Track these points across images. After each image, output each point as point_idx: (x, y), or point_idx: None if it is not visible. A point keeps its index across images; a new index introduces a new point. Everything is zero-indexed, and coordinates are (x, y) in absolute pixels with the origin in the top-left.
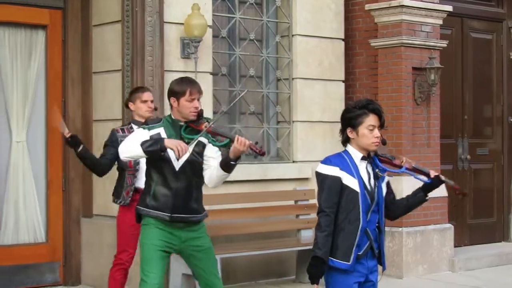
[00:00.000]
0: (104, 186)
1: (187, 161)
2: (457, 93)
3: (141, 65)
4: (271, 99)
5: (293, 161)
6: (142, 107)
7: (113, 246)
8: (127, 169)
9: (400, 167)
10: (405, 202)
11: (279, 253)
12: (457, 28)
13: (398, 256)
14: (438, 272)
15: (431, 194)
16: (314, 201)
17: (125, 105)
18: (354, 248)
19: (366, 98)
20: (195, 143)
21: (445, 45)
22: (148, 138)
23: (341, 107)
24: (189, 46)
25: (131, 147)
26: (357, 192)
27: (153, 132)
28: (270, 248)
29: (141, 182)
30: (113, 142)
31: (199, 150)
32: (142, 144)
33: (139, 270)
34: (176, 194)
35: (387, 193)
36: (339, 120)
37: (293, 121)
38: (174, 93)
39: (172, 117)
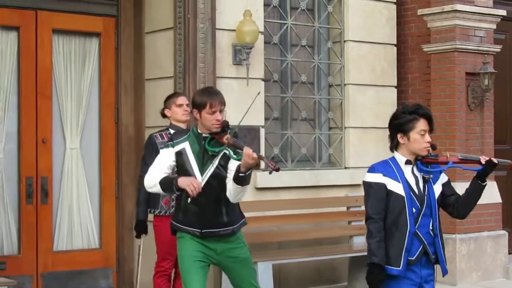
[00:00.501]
0: None
1: (211, 176)
2: (511, 98)
3: (193, 71)
4: (323, 105)
5: (345, 167)
6: (178, 111)
7: None
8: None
9: (447, 163)
10: (465, 196)
11: (331, 260)
12: (511, 32)
13: (452, 263)
14: (492, 279)
15: (485, 201)
16: None
17: (161, 114)
18: (403, 253)
19: (414, 103)
20: (219, 156)
21: (499, 50)
22: (172, 158)
23: None
24: (241, 53)
25: (153, 182)
26: (402, 197)
27: (178, 148)
28: (322, 254)
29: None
30: (152, 151)
31: (224, 163)
32: (161, 183)
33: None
34: (204, 210)
35: (447, 194)
36: None
37: (345, 127)
38: (196, 106)
39: (198, 129)
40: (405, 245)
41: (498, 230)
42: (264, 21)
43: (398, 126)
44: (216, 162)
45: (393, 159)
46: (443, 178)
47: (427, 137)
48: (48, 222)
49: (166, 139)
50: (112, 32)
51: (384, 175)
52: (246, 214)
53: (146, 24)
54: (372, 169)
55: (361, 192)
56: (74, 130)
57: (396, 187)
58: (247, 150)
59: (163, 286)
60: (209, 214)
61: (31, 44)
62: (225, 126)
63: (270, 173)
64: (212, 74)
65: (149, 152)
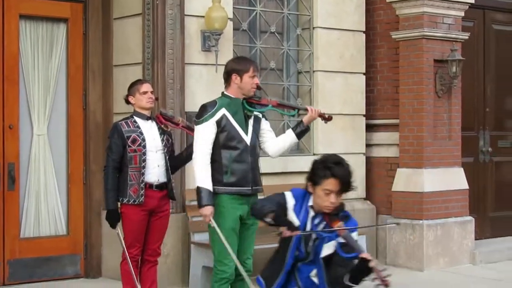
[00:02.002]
0: None
1: (254, 134)
2: (478, 85)
3: (162, 58)
4: (292, 92)
5: (314, 154)
6: (142, 99)
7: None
8: (130, 165)
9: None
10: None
11: None
12: (479, 20)
13: (419, 249)
14: (459, 265)
15: (452, 187)
16: None
17: (125, 101)
18: None
19: (339, 158)
20: (252, 119)
21: (467, 37)
22: (214, 131)
23: (362, 99)
24: (209, 39)
25: (200, 172)
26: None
27: (218, 115)
28: None
29: (150, 177)
30: (119, 138)
31: (258, 125)
32: (198, 188)
33: (214, 251)
34: (252, 168)
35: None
36: (359, 112)
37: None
38: (237, 71)
39: (229, 94)
40: None
41: (464, 216)
42: (233, 7)
43: (311, 172)
44: (251, 122)
45: (308, 199)
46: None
47: (332, 198)
48: (15, 208)
49: (132, 127)
50: (80, 18)
51: (294, 207)
52: None
53: (115, 10)
54: (294, 192)
55: None
56: (42, 116)
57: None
58: (312, 107)
59: (130, 272)
60: (255, 171)
61: None
62: (259, 88)
63: (326, 122)
64: (180, 60)
65: (115, 140)
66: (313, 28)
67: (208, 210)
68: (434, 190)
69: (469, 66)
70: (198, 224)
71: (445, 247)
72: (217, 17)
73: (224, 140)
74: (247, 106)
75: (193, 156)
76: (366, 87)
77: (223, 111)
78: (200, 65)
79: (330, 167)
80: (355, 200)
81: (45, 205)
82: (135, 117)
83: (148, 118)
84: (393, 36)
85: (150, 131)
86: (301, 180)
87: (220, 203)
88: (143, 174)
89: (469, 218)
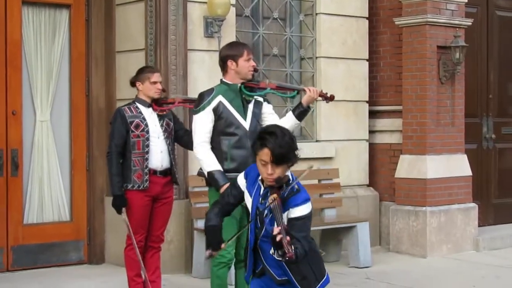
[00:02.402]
0: None
1: (253, 119)
2: (482, 72)
3: (165, 44)
4: (295, 78)
5: (317, 140)
6: (151, 88)
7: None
8: (133, 151)
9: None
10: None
11: None
12: (483, 6)
13: (422, 235)
14: (462, 251)
15: (456, 173)
16: (338, 180)
17: (131, 84)
18: None
19: (274, 127)
20: (252, 103)
21: (470, 23)
22: (211, 118)
23: (365, 86)
24: (212, 25)
25: (206, 159)
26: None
27: (214, 103)
28: None
29: (154, 163)
30: (122, 124)
31: (258, 109)
32: (210, 174)
33: None
34: (252, 153)
35: None
36: (362, 99)
37: (316, 100)
38: (231, 56)
39: (227, 81)
40: None
41: (468, 203)
42: None
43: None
44: (251, 107)
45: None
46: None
47: (269, 169)
48: (18, 194)
49: (135, 113)
50: (83, 4)
51: (246, 183)
52: None
53: None
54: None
55: (332, 165)
56: (44, 103)
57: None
58: (311, 88)
59: (134, 258)
60: (254, 157)
61: (1, 15)
62: (256, 71)
63: (327, 102)
64: (183, 46)
65: (118, 125)
66: (316, 14)
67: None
68: (437, 176)
69: (472, 52)
70: (201, 210)
71: (448, 233)
72: (220, 3)
73: (222, 127)
74: (245, 91)
75: (194, 146)
76: (369, 74)
77: (219, 98)
78: (203, 51)
79: (262, 138)
80: (358, 187)
81: (49, 191)
82: (137, 104)
83: (149, 105)
84: (396, 22)
85: (151, 117)
86: (304, 166)
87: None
88: (146, 159)
89: (473, 204)
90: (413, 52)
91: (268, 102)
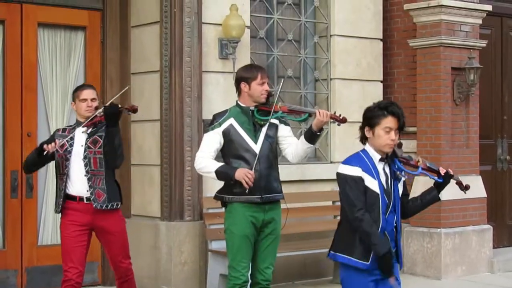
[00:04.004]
0: (142, 186)
1: (264, 142)
2: (496, 93)
3: (179, 65)
4: (309, 100)
5: (331, 162)
6: (82, 107)
7: (153, 247)
8: (58, 173)
9: (417, 167)
10: (418, 202)
11: (316, 254)
12: (497, 27)
13: (437, 257)
14: (477, 273)
15: (470, 195)
16: None
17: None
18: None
19: (389, 100)
20: (267, 126)
21: (485, 45)
22: (218, 140)
23: None
24: (227, 47)
25: (206, 169)
26: (377, 194)
27: (225, 125)
28: (307, 249)
29: (72, 189)
30: (47, 140)
31: (273, 132)
32: (217, 172)
33: (228, 257)
34: (261, 176)
35: (402, 194)
36: None
37: (331, 122)
38: (245, 79)
39: (240, 104)
40: None
41: (482, 225)
42: (251, 15)
43: (367, 119)
44: (264, 130)
45: (365, 153)
46: (402, 177)
47: (392, 135)
48: (33, 216)
49: (67, 134)
50: (98, 26)
51: (363, 170)
52: None
53: (132, 18)
54: (349, 162)
55: None
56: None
57: (372, 184)
58: (321, 110)
59: None
60: (266, 180)
61: (16, 37)
62: (270, 95)
63: (339, 125)
64: (198, 68)
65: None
66: (330, 35)
67: (241, 170)
68: (452, 198)
69: (486, 73)
70: (215, 232)
71: (463, 255)
72: (235, 25)
73: (232, 150)
74: (257, 115)
75: (195, 164)
76: (383, 95)
77: (230, 120)
78: (218, 73)
79: (386, 107)
80: None
81: None
82: (75, 125)
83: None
84: (410, 44)
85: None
86: (318, 188)
87: (232, 211)
88: (64, 182)
89: (487, 226)
90: (427, 74)
91: (286, 124)
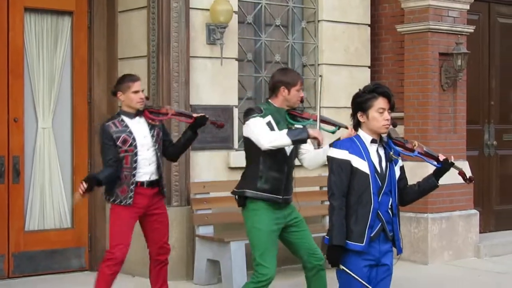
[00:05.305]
0: None
1: (292, 147)
2: (483, 78)
3: (167, 51)
4: None
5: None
6: (133, 98)
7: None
8: (122, 166)
9: (413, 151)
10: (416, 188)
11: None
12: (484, 13)
13: (424, 242)
14: (464, 258)
15: (457, 180)
16: None
17: (113, 94)
18: (367, 229)
19: (374, 82)
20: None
21: (472, 30)
22: (269, 127)
23: None
24: (214, 32)
25: (278, 137)
26: (367, 174)
27: (267, 119)
28: None
29: (141, 176)
30: (110, 140)
31: None
32: (288, 134)
33: (254, 254)
34: (285, 177)
35: (399, 178)
36: None
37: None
38: (285, 83)
39: (275, 105)
40: (368, 222)
41: (469, 210)
42: (238, 0)
43: (358, 104)
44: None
45: (358, 137)
46: (400, 161)
47: (386, 115)
48: (19, 201)
49: (120, 127)
50: (85, 11)
51: (350, 152)
52: (220, 194)
53: (119, 3)
54: (337, 145)
55: None
56: (46, 110)
57: (361, 164)
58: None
59: (108, 280)
60: (288, 181)
61: (3, 22)
62: (301, 102)
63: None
64: (185, 53)
65: (107, 145)
66: (318, 21)
67: (311, 129)
68: (439, 183)
69: (474, 59)
70: (202, 217)
71: (449, 240)
72: (222, 10)
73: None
74: (289, 119)
75: (262, 143)
76: (371, 80)
77: (269, 118)
78: (205, 58)
79: (374, 89)
80: None
81: (50, 198)
82: (122, 117)
83: (135, 115)
84: (398, 30)
85: (139, 129)
86: (305, 173)
87: (255, 207)
88: (134, 175)
89: (474, 211)
90: (415, 59)
91: (325, 131)
